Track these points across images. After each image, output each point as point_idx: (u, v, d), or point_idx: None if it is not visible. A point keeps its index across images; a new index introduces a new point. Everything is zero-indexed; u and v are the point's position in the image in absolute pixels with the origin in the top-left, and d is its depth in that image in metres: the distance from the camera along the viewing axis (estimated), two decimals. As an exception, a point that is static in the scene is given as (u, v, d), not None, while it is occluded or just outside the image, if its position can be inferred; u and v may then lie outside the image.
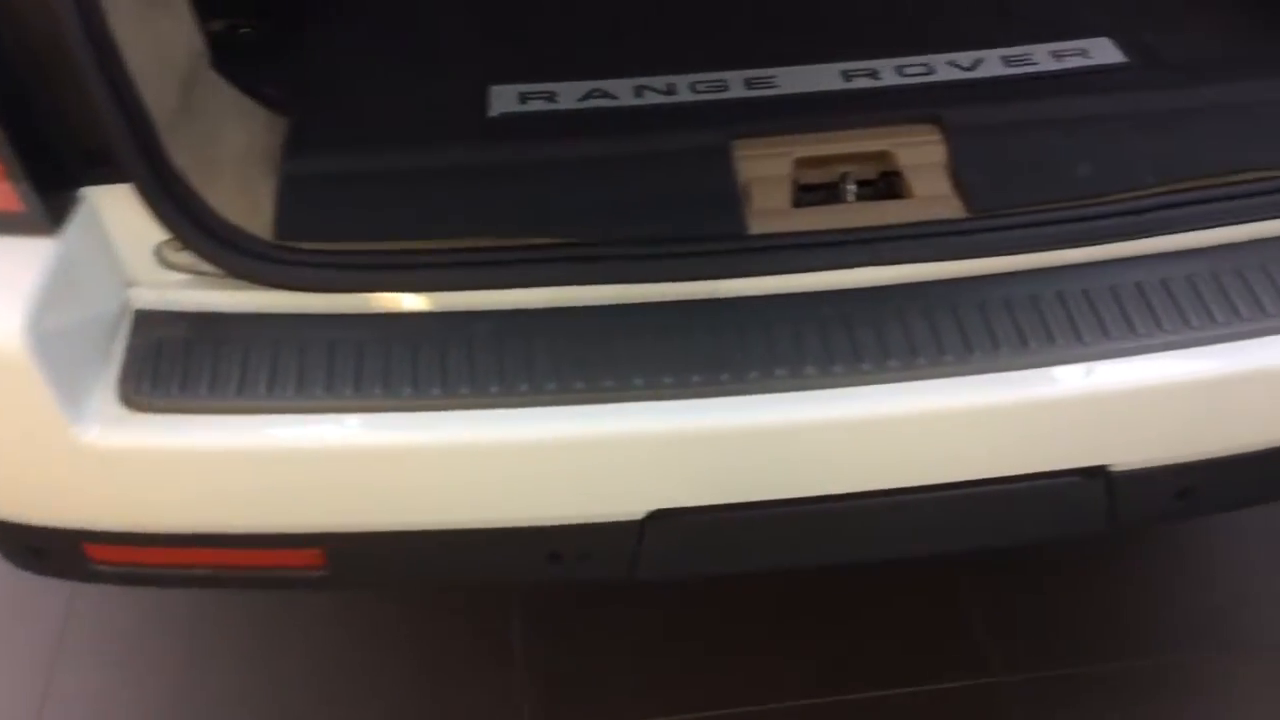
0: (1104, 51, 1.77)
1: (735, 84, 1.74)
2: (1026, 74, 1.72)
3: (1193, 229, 1.49)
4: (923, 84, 1.71)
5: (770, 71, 1.75)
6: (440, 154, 1.58)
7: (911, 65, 1.75)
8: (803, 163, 1.57)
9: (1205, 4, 1.87)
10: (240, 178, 1.52)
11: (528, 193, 1.54)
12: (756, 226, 1.50)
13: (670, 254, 1.47)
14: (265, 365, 1.38)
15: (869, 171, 1.59)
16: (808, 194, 1.57)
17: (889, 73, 1.74)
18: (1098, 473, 1.46)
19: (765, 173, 1.55)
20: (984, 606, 2.22)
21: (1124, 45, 1.77)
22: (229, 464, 1.39)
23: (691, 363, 1.39)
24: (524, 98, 1.72)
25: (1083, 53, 1.76)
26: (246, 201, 1.49)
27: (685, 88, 1.73)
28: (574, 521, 1.44)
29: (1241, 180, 1.52)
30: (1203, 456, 1.47)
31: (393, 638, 2.24)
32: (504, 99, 1.71)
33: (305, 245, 1.46)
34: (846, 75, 1.74)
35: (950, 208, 1.51)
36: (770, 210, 1.52)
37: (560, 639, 2.21)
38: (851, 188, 1.56)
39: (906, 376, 1.38)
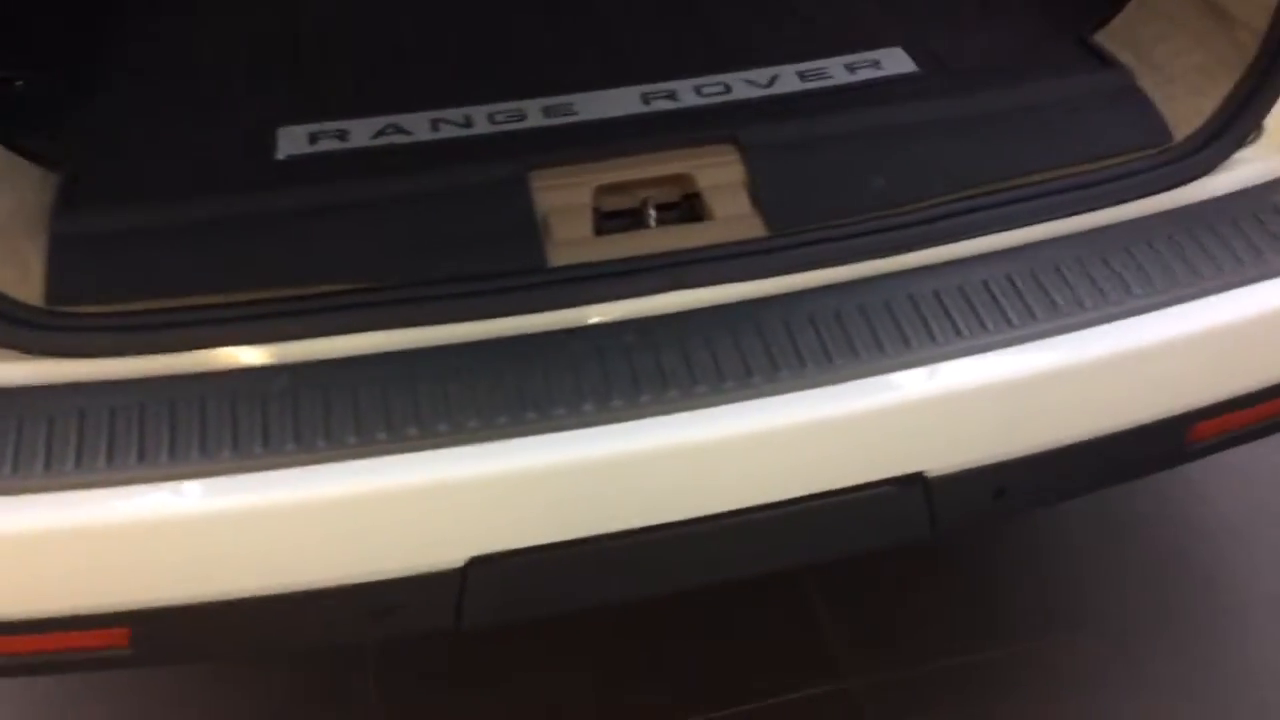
0: (895, 61, 1.79)
1: (533, 113, 1.71)
2: (822, 88, 1.74)
3: (987, 233, 1.52)
4: (720, 104, 1.71)
5: (569, 98, 1.73)
6: (225, 202, 1.51)
7: (709, 85, 1.75)
8: (603, 190, 1.55)
9: (990, 11, 1.91)
10: (7, 241, 1.43)
11: (319, 237, 1.48)
12: (557, 258, 1.47)
13: (470, 293, 1.43)
14: (41, 440, 1.29)
15: (670, 195, 1.58)
16: (610, 221, 1.55)
17: (687, 93, 1.74)
18: (914, 480, 1.47)
19: (565, 202, 1.53)
20: (833, 611, 2.23)
21: (914, 54, 1.80)
22: (8, 547, 1.30)
23: (497, 404, 1.35)
24: (314, 138, 1.66)
25: (875, 64, 1.79)
26: (14, 265, 1.41)
27: (482, 119, 1.70)
28: (391, 576, 1.38)
29: (1029, 183, 1.55)
30: (1013, 456, 1.49)
31: (236, 688, 2.13)
32: (292, 140, 1.65)
33: (80, 309, 1.38)
34: (645, 98, 1.73)
35: (751, 227, 1.51)
36: (571, 240, 1.49)
37: (416, 685, 2.15)
38: (653, 212, 1.54)
39: (714, 401, 1.36)
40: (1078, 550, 2.35)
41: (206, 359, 1.38)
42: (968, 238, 1.51)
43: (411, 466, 1.32)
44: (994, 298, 1.45)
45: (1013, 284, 1.47)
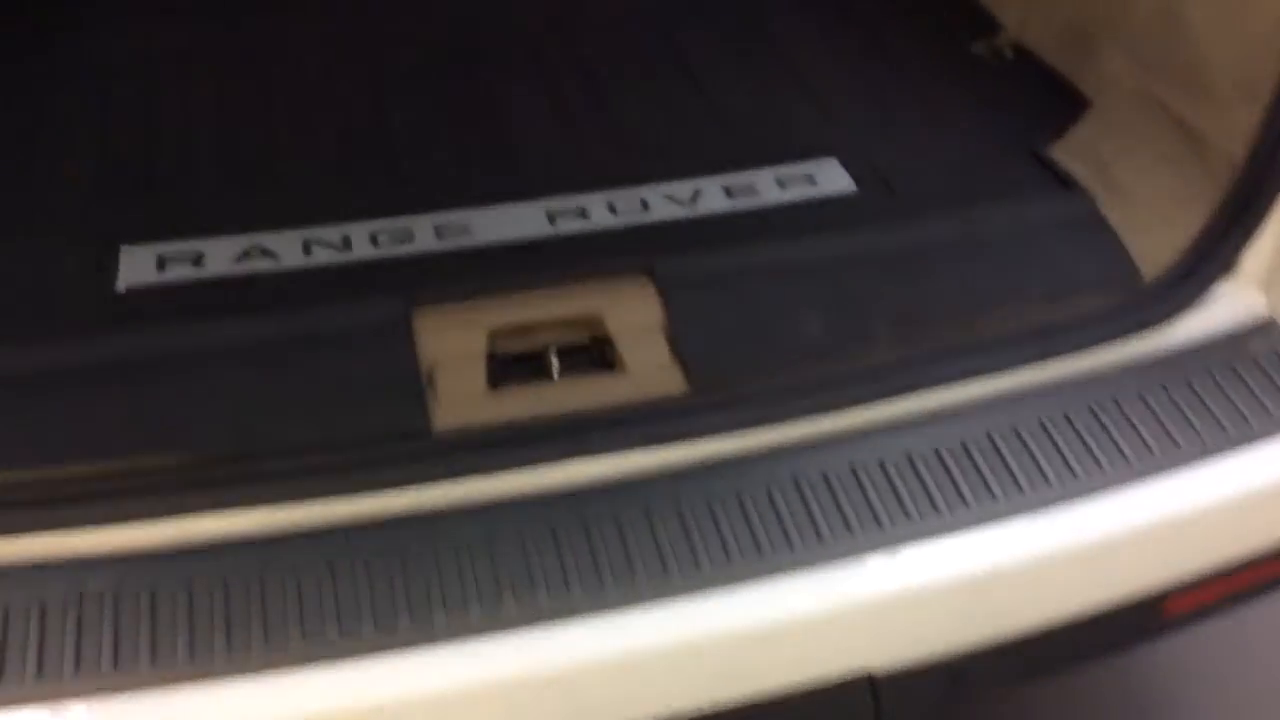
0: (831, 176, 1.60)
1: (422, 232, 1.49)
2: (749, 208, 1.54)
3: (935, 388, 1.33)
4: (636, 225, 1.51)
5: (464, 215, 1.52)
6: (46, 349, 1.26)
7: (624, 200, 1.55)
8: (499, 333, 1.34)
9: (934, 117, 1.73)
10: None
11: (159, 395, 1.24)
12: (443, 420, 1.25)
13: (337, 465, 1.20)
14: None
15: (577, 336, 1.37)
16: (507, 367, 1.34)
17: (599, 210, 1.53)
18: (860, 681, 1.26)
19: (454, 349, 1.31)
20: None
21: (852, 168, 1.61)
22: None
23: (363, 609, 1.12)
24: (163, 262, 1.42)
25: (809, 179, 1.59)
26: None
27: (363, 239, 1.48)
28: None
29: (980, 328, 1.37)
30: (970, 648, 1.29)
31: None
32: (137, 265, 1.42)
33: None
34: (551, 216, 1.52)
35: (669, 382, 1.30)
36: (460, 397, 1.28)
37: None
38: (556, 361, 1.33)
39: (624, 604, 1.15)
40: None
41: (6, 552, 1.14)
42: (914, 393, 1.32)
43: (254, 693, 1.09)
44: (947, 470, 1.26)
45: (967, 453, 1.28)
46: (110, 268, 1.41)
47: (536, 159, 1.64)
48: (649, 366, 1.32)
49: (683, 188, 1.57)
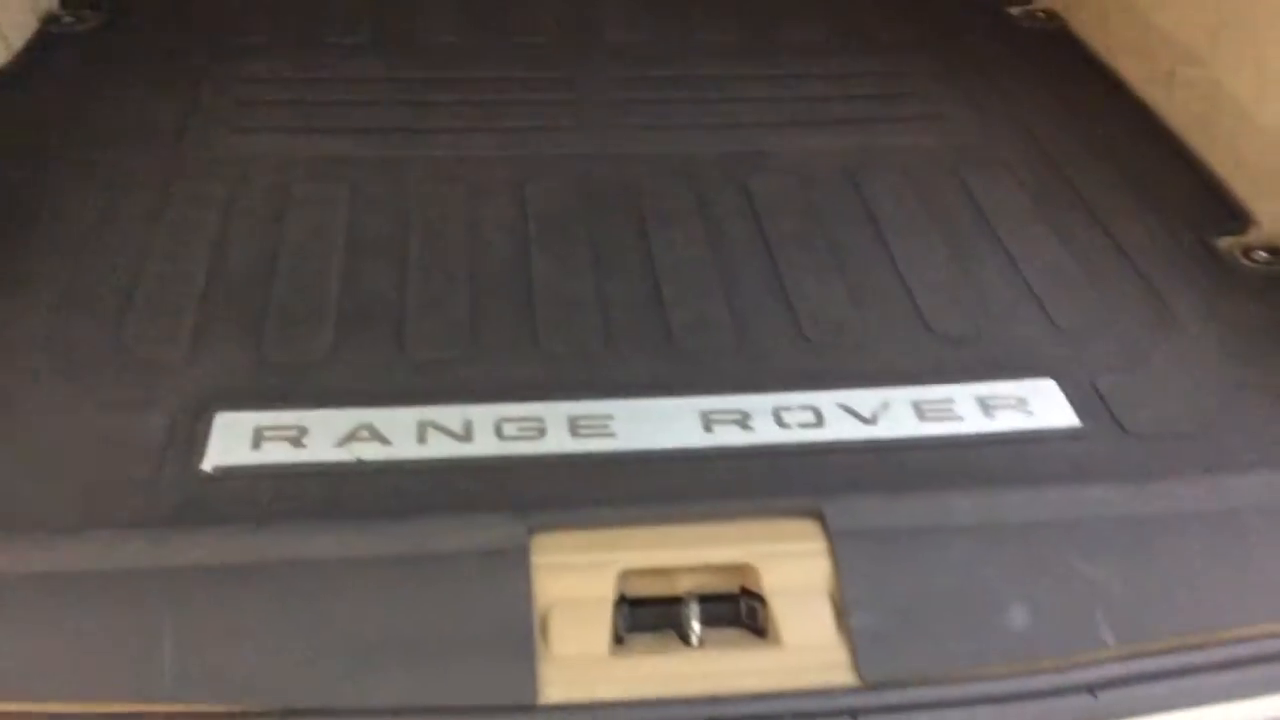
0: (1048, 404, 1.33)
1: (556, 425, 1.28)
2: (945, 437, 1.28)
3: (1170, 710, 1.06)
4: (806, 445, 1.26)
5: (606, 408, 1.30)
6: (102, 546, 1.08)
7: (795, 409, 1.31)
8: (631, 575, 1.11)
9: (1174, 333, 1.45)
10: None
11: (224, 620, 1.04)
12: (554, 690, 1.03)
13: None
14: None
15: (725, 584, 1.13)
16: (636, 613, 1.11)
17: (764, 419, 1.29)
18: None
19: (576, 592, 1.09)
20: None
21: (1073, 394, 1.34)
22: None
23: None
24: (260, 438, 1.24)
25: (1021, 404, 1.33)
26: None
27: (487, 429, 1.27)
28: None
29: (1233, 637, 1.09)
30: None
31: None
32: (231, 437, 1.23)
33: None
34: (707, 420, 1.29)
35: (831, 666, 1.06)
36: (577, 658, 1.06)
37: None
38: (696, 626, 1.09)
39: None
40: None
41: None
42: (1142, 716, 1.05)
43: None
44: None
45: None
46: (200, 438, 1.23)
47: (695, 343, 1.41)
48: (809, 641, 1.08)
49: (865, 399, 1.32)
